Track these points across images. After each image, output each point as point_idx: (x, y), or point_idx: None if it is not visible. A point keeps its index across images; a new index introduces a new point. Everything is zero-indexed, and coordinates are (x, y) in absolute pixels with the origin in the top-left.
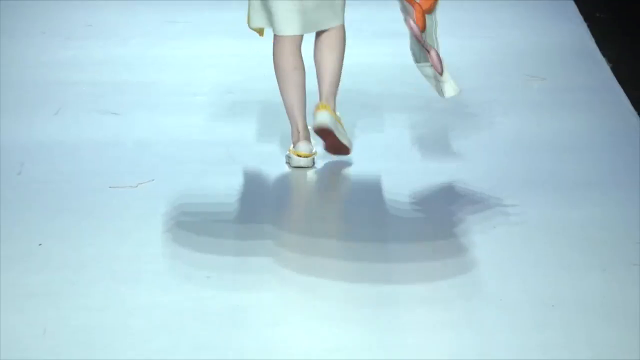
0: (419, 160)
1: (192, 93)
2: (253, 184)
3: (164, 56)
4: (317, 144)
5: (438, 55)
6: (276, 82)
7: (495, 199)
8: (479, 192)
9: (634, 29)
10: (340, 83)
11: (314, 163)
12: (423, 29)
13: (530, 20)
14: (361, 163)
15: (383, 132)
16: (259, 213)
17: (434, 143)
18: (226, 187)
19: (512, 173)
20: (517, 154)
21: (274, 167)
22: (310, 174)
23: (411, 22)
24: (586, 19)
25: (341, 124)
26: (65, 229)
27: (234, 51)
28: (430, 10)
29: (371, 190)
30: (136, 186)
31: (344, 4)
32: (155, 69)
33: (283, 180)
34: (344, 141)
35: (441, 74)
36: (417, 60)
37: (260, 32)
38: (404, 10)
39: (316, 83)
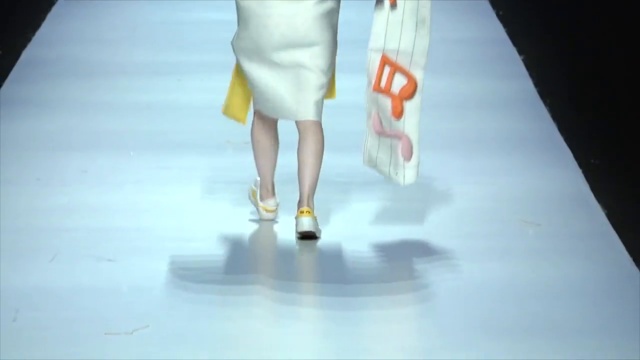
0: (409, 304)
1: (187, 239)
2: (247, 330)
3: (158, 202)
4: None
5: (410, 142)
6: (269, 231)
7: (487, 344)
8: (469, 337)
9: (629, 175)
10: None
11: (277, 215)
12: (400, 116)
13: (526, 167)
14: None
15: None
16: (258, 356)
17: (426, 289)
18: (221, 332)
19: (505, 319)
20: (510, 299)
21: (269, 314)
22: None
23: (376, 118)
24: (581, 165)
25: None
26: None
27: (228, 197)
28: (411, 96)
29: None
30: (132, 332)
31: (322, 98)
32: (150, 215)
33: (277, 328)
34: (318, 235)
35: (409, 159)
36: (370, 162)
37: (243, 119)
38: (373, 104)
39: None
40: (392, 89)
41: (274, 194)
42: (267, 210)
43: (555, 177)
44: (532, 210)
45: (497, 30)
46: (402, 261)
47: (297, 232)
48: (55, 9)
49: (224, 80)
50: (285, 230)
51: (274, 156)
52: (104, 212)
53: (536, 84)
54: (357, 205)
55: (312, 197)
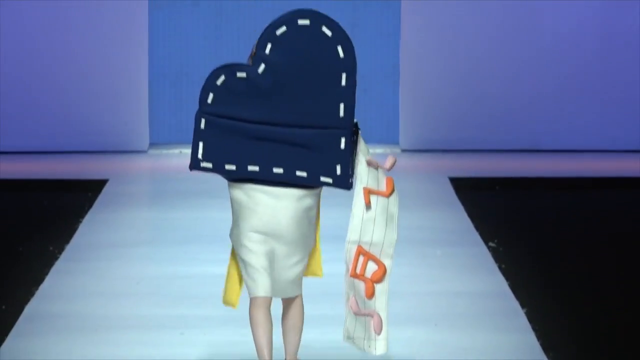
0: None
1: None
2: None
3: None
4: None
5: (380, 318)
6: None
7: None
8: None
9: None
10: None
11: None
12: (371, 297)
13: None
14: None
15: None
16: None
17: None
18: None
19: None
20: None
21: None
22: None
23: (353, 300)
24: None
25: None
26: None
27: None
28: (381, 280)
29: None
30: None
31: (302, 275)
32: None
33: None
34: None
35: (379, 333)
36: (349, 339)
37: (235, 304)
38: (350, 288)
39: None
40: (365, 274)
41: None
42: None
43: None
44: None
45: (499, 283)
46: None
47: None
48: (58, 263)
49: (227, 334)
50: None
51: (269, 333)
52: None
53: (539, 337)
54: None
55: (296, 354)
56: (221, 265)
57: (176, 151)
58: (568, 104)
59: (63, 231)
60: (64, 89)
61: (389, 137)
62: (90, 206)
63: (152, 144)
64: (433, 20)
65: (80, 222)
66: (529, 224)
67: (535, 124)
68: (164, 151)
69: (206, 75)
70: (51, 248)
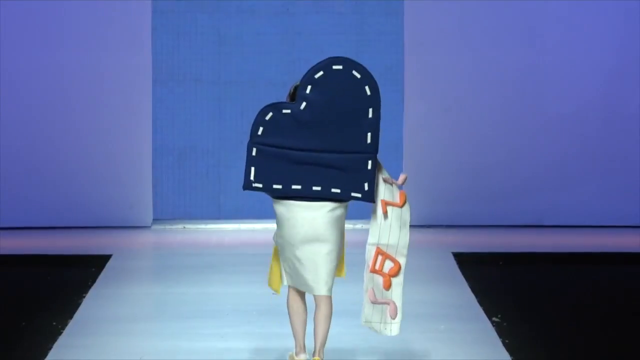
0: None
1: None
2: None
3: None
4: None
5: (396, 306)
6: None
7: None
8: None
9: None
10: None
11: None
12: (388, 288)
13: None
14: None
15: None
16: None
17: None
18: None
19: None
20: None
21: None
22: None
23: (371, 291)
24: None
25: None
26: None
27: None
28: (397, 274)
29: None
30: None
31: (332, 279)
32: None
33: None
34: None
35: (394, 318)
36: (367, 323)
37: (278, 290)
38: (369, 281)
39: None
40: (383, 269)
41: (305, 350)
42: None
43: None
44: None
45: (503, 358)
46: None
47: None
48: (61, 339)
49: None
50: None
51: (303, 319)
52: None
53: None
54: None
55: (322, 349)
56: (224, 340)
57: (180, 226)
58: (571, 180)
59: (66, 306)
60: (67, 164)
61: None
62: (93, 281)
63: (156, 220)
64: (437, 96)
65: (84, 297)
66: (532, 299)
67: (539, 200)
68: (168, 226)
69: (208, 150)
70: (54, 323)
